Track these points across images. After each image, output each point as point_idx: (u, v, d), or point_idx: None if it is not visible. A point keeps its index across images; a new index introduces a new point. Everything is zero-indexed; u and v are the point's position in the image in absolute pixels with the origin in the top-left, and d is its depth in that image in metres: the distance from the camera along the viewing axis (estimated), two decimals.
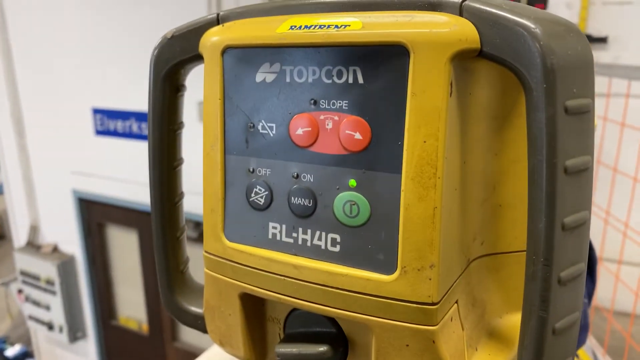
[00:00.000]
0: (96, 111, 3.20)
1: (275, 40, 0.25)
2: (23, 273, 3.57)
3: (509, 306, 0.31)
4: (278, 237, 0.27)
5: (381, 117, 0.24)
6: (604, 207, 1.96)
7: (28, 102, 2.82)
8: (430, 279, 0.24)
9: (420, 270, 0.24)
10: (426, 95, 0.22)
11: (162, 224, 0.33)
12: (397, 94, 0.23)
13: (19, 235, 3.84)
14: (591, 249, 0.80)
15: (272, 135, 0.27)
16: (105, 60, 2.98)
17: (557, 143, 0.21)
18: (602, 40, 2.57)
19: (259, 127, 0.27)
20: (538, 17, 0.21)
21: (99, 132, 3.26)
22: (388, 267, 0.24)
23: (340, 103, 0.25)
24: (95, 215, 3.30)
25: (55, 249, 3.46)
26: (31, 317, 3.62)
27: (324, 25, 0.24)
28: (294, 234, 0.27)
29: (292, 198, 0.26)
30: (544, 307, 0.22)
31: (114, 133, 3.13)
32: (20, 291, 3.78)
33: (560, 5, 2.70)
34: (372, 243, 0.25)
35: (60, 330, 3.41)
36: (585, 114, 0.22)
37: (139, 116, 3.06)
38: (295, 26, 0.25)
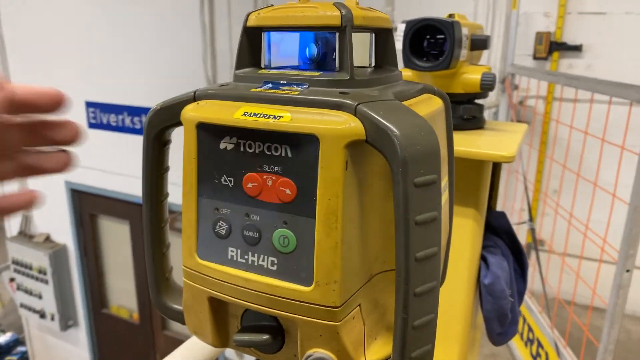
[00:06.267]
0: (89, 104, 3.26)
1: (234, 123, 0.36)
2: (15, 262, 3.64)
3: None
4: (235, 258, 0.38)
5: (303, 180, 0.35)
6: (568, 210, 2.09)
7: None
8: (334, 290, 0.35)
9: (328, 284, 0.35)
10: (330, 169, 0.33)
11: (152, 243, 0.44)
12: (313, 166, 0.34)
13: (11, 225, 3.89)
14: (523, 255, 0.92)
15: (230, 186, 0.38)
16: (99, 54, 3.03)
17: (408, 206, 0.32)
18: (577, 48, 2.70)
19: (222, 180, 0.38)
20: (400, 121, 0.32)
21: (92, 125, 3.32)
22: (308, 281, 0.36)
23: (276, 168, 0.36)
24: (88, 207, 3.38)
25: (47, 239, 3.54)
26: (23, 305, 3.71)
27: (267, 115, 0.35)
28: (246, 256, 0.38)
29: (244, 231, 0.38)
30: (405, 311, 0.34)
31: (107, 126, 3.19)
32: (12, 279, 3.85)
33: (538, 15, 2.81)
34: (298, 265, 0.36)
35: (52, 318, 3.50)
36: (431, 185, 0.33)
37: (132, 110, 3.12)
38: (247, 113, 0.36)
